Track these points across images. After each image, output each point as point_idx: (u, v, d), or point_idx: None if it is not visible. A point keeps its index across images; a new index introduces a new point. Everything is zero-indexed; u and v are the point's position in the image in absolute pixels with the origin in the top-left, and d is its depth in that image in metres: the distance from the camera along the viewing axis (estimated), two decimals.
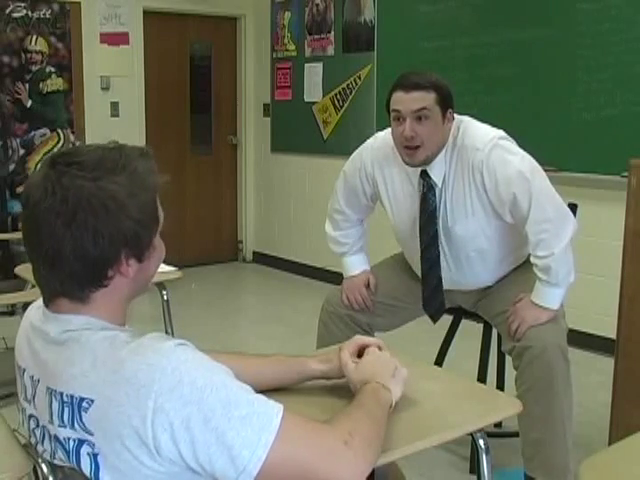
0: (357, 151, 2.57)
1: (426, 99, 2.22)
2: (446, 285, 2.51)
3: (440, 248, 2.42)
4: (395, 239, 2.64)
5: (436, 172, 2.33)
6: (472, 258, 2.43)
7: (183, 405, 1.05)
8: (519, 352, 2.27)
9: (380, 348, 1.51)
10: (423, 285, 2.50)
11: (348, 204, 2.64)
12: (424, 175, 2.35)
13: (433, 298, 2.50)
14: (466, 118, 2.38)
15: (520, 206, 2.24)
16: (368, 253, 2.75)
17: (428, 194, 2.36)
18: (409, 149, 2.27)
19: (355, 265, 2.68)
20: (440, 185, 2.35)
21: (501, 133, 2.32)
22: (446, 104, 2.26)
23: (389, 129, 2.40)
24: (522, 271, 2.48)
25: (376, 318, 2.57)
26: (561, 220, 2.26)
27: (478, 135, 2.30)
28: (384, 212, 2.64)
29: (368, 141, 2.55)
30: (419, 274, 2.53)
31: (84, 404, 1.10)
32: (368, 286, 2.60)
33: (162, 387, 1.05)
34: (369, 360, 1.45)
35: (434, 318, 2.57)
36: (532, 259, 2.29)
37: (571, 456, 2.28)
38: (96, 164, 1.12)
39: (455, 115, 2.34)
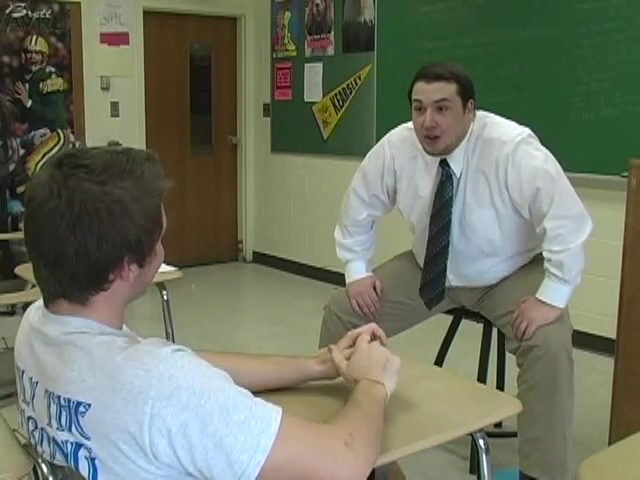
0: (374, 149, 2.60)
1: (447, 90, 2.25)
2: (453, 281, 2.52)
3: (451, 238, 2.43)
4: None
5: (455, 162, 2.36)
6: (483, 252, 2.44)
7: (180, 411, 1.05)
8: (524, 351, 2.27)
9: (375, 336, 1.50)
10: (424, 271, 2.50)
11: (364, 203, 2.62)
12: (443, 164, 2.38)
13: (433, 285, 2.50)
14: (492, 114, 2.41)
15: (542, 202, 2.26)
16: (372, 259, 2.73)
17: (446, 183, 2.38)
18: (429, 138, 2.30)
19: (361, 269, 2.66)
20: (458, 175, 2.37)
21: (528, 130, 2.35)
22: (467, 95, 2.29)
23: (402, 125, 2.48)
24: (526, 272, 2.48)
25: (380, 324, 2.54)
26: (580, 219, 2.29)
27: (505, 130, 2.34)
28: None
29: (384, 138, 2.57)
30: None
31: (81, 408, 1.10)
32: (374, 289, 2.59)
33: (159, 393, 1.05)
34: (358, 358, 1.43)
35: (429, 305, 2.55)
36: (545, 254, 2.30)
37: (570, 456, 2.27)
38: (103, 168, 1.12)
39: (480, 111, 2.38)
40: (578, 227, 2.28)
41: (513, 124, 2.37)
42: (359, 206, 2.63)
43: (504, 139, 2.29)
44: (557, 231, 2.26)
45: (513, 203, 2.33)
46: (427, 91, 2.26)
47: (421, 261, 2.60)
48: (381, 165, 2.54)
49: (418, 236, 2.58)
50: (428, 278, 2.50)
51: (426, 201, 2.46)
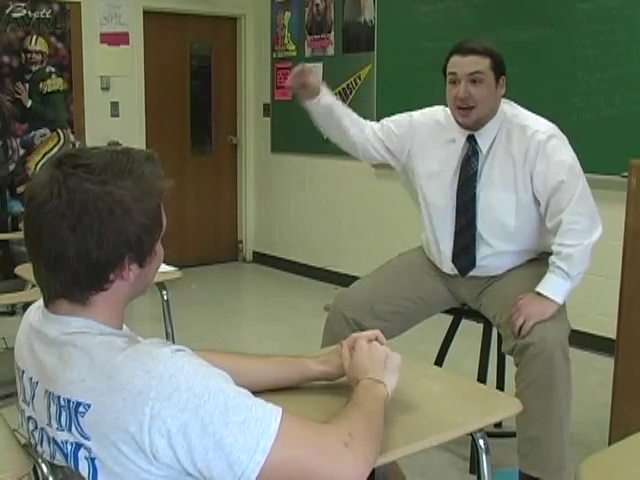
0: (423, 110, 2.63)
1: (481, 63, 2.36)
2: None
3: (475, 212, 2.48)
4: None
5: (483, 139, 2.44)
6: (495, 234, 2.47)
7: (180, 411, 1.05)
8: (520, 349, 2.28)
9: (376, 338, 1.49)
10: (455, 242, 2.53)
11: (378, 130, 2.62)
12: (471, 139, 2.45)
13: (464, 254, 2.53)
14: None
15: (562, 196, 2.32)
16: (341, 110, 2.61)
17: (472, 158, 2.46)
18: (462, 109, 2.38)
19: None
20: (485, 152, 2.44)
21: (557, 128, 2.43)
22: (499, 70, 2.40)
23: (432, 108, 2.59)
24: (528, 271, 2.49)
25: (383, 323, 2.55)
26: (594, 220, 2.35)
27: (539, 121, 2.43)
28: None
29: (419, 112, 2.62)
30: (443, 247, 2.55)
31: (81, 409, 1.10)
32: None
33: (159, 394, 1.05)
34: (358, 357, 1.43)
35: (462, 273, 2.57)
36: (555, 247, 2.32)
37: (567, 454, 2.28)
38: (103, 167, 1.12)
39: (511, 101, 2.47)
40: (592, 227, 2.34)
41: (543, 119, 2.44)
42: (374, 127, 2.63)
43: (538, 128, 2.38)
44: (572, 226, 2.31)
45: (534, 192, 2.38)
46: (462, 64, 2.36)
47: (434, 248, 2.61)
48: (406, 126, 2.59)
49: (436, 213, 2.58)
50: (459, 247, 2.54)
51: (446, 178, 2.50)
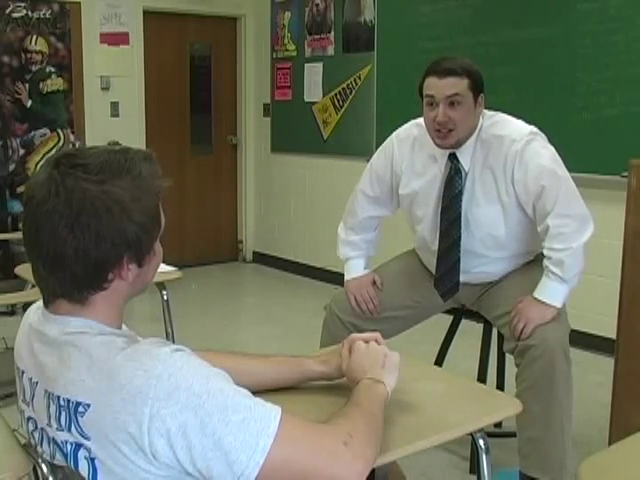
0: (382, 147, 2.60)
1: (459, 85, 2.27)
2: None
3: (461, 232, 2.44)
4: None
5: (465, 156, 2.38)
6: (487, 247, 2.44)
7: (180, 411, 1.05)
8: (521, 350, 2.27)
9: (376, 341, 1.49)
10: (437, 264, 2.51)
11: (372, 202, 2.63)
12: (452, 158, 2.39)
13: (447, 277, 2.50)
14: (500, 113, 2.43)
15: (546, 200, 2.27)
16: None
17: (455, 177, 2.40)
18: (441, 132, 2.32)
19: (360, 267, 2.68)
20: (467, 169, 2.39)
21: (536, 129, 2.37)
22: (478, 89, 2.31)
23: (411, 122, 2.51)
24: (526, 272, 2.48)
25: (380, 326, 2.51)
26: (582, 220, 2.30)
27: (515, 128, 2.36)
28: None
29: (392, 135, 2.58)
30: (433, 260, 2.53)
31: (80, 409, 1.10)
32: (374, 284, 2.61)
33: (158, 393, 1.05)
34: (356, 358, 1.43)
35: (445, 297, 2.56)
36: (546, 252, 2.30)
37: (569, 455, 2.28)
38: (101, 167, 1.12)
39: (488, 111, 2.40)
40: (580, 227, 2.29)
41: (521, 122, 2.39)
42: (367, 205, 2.64)
43: (514, 137, 2.32)
44: (560, 229, 2.27)
45: (518, 199, 2.34)
46: (439, 86, 2.28)
47: (426, 257, 2.60)
48: (390, 162, 2.54)
49: (420, 227, 2.56)
50: (442, 271, 2.51)
51: (430, 193, 2.47)
